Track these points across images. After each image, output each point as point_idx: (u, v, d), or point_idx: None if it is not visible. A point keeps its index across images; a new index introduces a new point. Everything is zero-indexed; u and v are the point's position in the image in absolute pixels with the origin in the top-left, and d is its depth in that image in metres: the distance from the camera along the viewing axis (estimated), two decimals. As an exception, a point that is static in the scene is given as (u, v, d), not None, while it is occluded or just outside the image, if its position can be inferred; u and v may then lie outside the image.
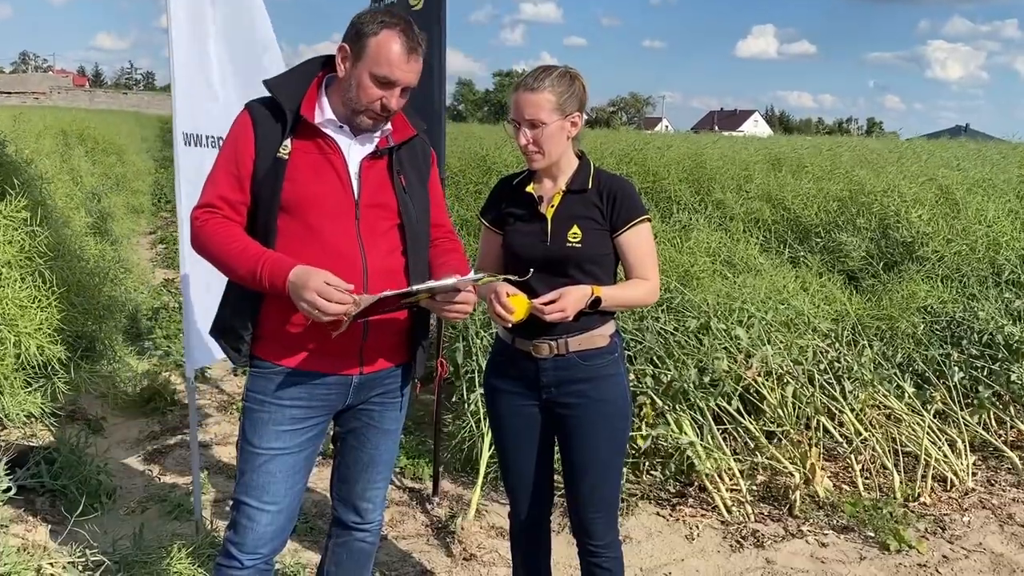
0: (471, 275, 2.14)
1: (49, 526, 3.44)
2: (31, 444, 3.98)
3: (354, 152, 2.17)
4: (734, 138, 19.59)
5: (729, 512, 3.83)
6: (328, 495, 2.51)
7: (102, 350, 4.79)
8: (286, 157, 2.09)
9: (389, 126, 2.22)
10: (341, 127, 2.16)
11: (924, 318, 5.09)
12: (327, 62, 2.21)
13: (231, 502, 2.26)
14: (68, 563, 2.95)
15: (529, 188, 2.44)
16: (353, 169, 2.15)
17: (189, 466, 3.73)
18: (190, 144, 3.30)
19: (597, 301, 2.31)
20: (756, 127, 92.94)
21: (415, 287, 2.04)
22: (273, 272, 1.99)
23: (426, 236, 2.31)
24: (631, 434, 3.93)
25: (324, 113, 2.15)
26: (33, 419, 3.60)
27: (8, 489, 3.39)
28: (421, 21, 3.63)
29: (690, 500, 3.96)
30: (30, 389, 3.43)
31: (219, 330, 2.23)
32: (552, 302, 2.25)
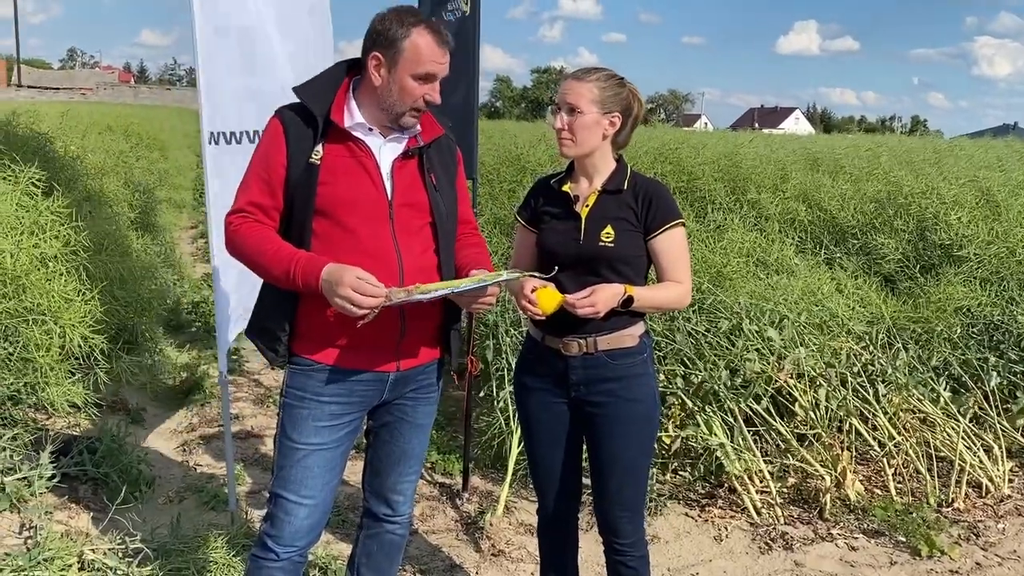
0: (504, 274, 2.17)
1: (91, 513, 3.54)
2: (74, 433, 4.09)
3: (385, 153, 2.21)
4: (769, 137, 19.31)
5: (758, 514, 3.82)
6: (360, 488, 2.56)
7: (143, 342, 4.92)
8: (318, 162, 2.14)
9: (419, 127, 2.26)
10: (371, 130, 2.20)
11: (961, 321, 5.01)
12: (352, 66, 2.25)
13: (267, 495, 2.31)
14: (108, 550, 3.04)
15: (565, 187, 2.47)
16: (385, 170, 2.20)
17: (225, 457, 3.81)
18: (218, 143, 3.38)
19: (629, 300, 2.33)
20: (797, 125, 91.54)
21: (446, 287, 2.07)
22: (306, 271, 2.04)
23: (455, 233, 2.35)
24: (660, 434, 3.95)
25: (353, 117, 2.19)
26: (76, 409, 3.71)
27: (53, 477, 3.50)
28: (469, 24, 3.67)
29: (719, 501, 3.95)
30: (74, 379, 3.53)
31: (256, 331, 2.28)
32: (585, 298, 2.28)
